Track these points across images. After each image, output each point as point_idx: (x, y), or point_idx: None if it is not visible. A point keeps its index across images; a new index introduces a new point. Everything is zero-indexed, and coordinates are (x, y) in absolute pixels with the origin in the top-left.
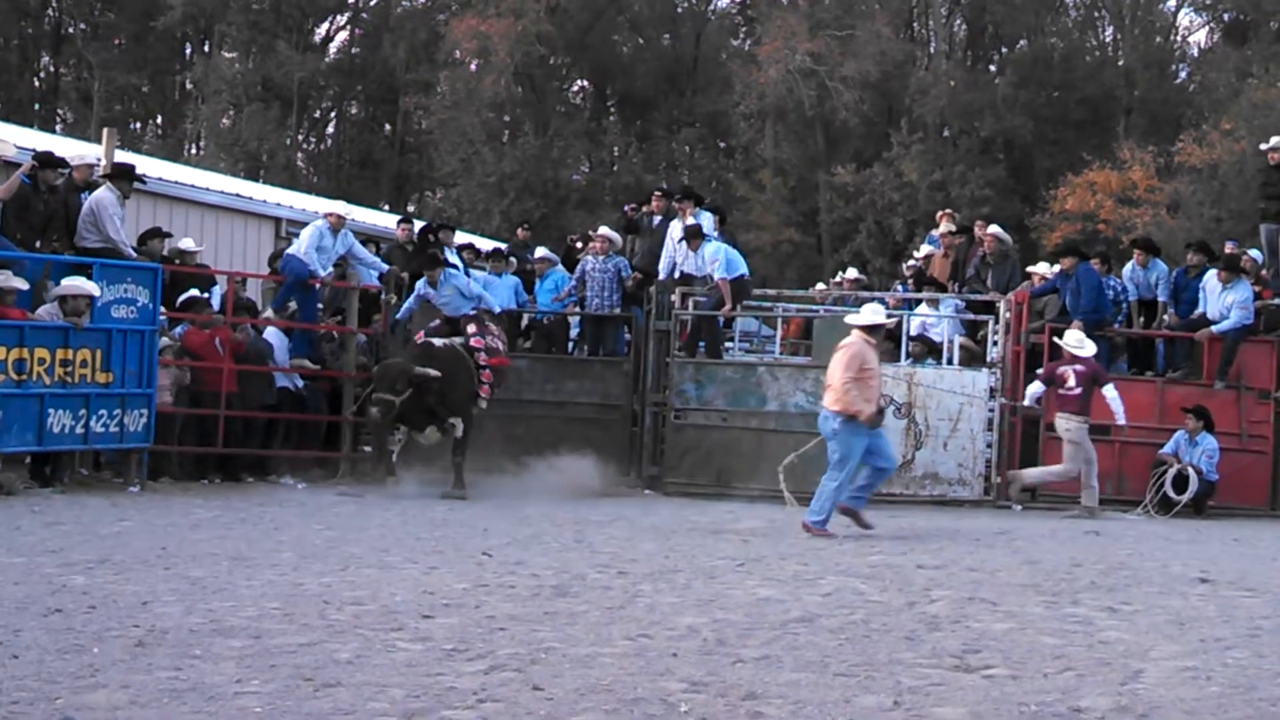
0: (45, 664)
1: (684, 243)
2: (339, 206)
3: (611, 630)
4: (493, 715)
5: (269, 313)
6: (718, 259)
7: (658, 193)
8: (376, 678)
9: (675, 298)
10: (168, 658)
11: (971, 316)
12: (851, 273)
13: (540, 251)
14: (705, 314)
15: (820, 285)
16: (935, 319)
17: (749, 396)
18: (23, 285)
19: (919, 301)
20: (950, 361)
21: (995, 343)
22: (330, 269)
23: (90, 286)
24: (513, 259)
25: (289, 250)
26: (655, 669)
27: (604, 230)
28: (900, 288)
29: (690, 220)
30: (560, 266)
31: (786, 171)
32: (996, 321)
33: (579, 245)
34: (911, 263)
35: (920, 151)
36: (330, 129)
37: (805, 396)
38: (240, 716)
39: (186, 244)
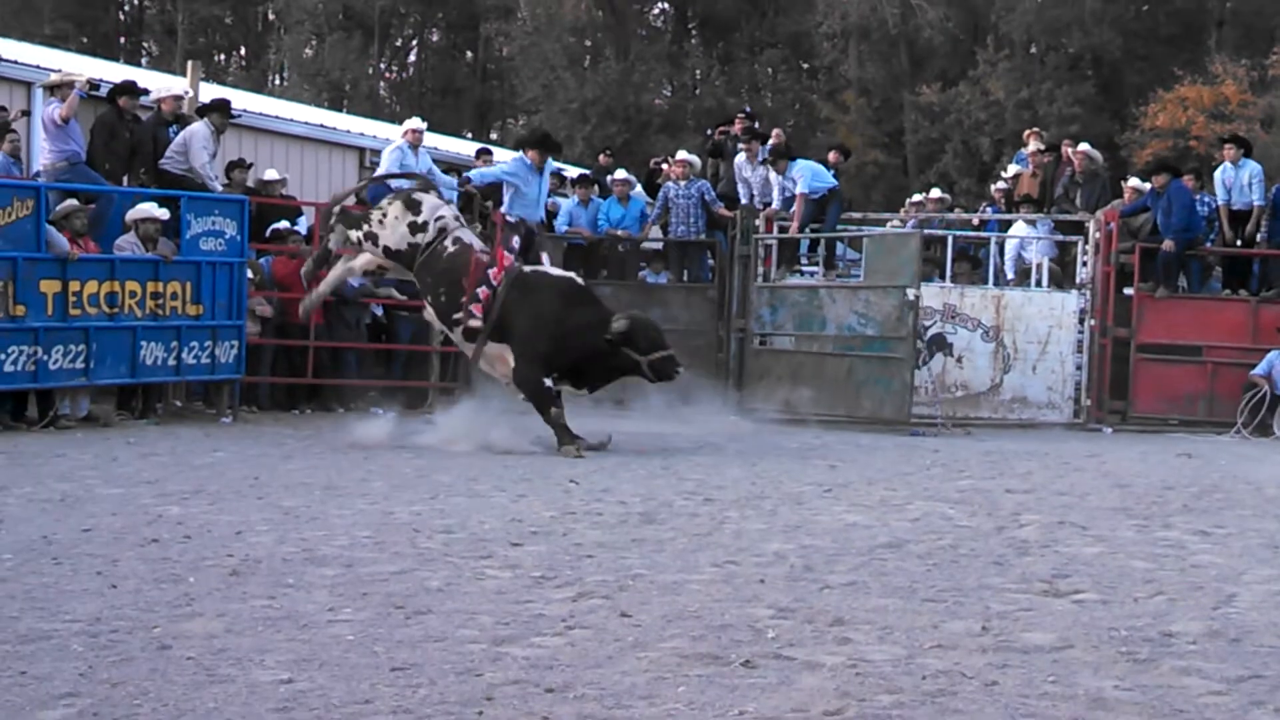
0: (143, 593)
1: (767, 166)
2: (416, 122)
3: (699, 557)
4: (581, 642)
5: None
6: (801, 175)
7: (741, 115)
8: (466, 605)
9: (760, 222)
10: (261, 586)
11: (1061, 237)
12: (935, 192)
13: (619, 173)
14: (787, 236)
15: (911, 204)
16: (1028, 239)
17: (812, 320)
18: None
19: (1009, 223)
20: (1039, 283)
21: (1085, 263)
22: None
23: (157, 211)
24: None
25: (378, 175)
26: (742, 595)
27: (683, 154)
28: (989, 208)
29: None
30: (640, 189)
31: (870, 92)
32: (1086, 242)
33: (662, 168)
34: (1000, 185)
35: (1006, 69)
36: (412, 57)
37: (857, 318)
38: (333, 644)
39: (270, 174)
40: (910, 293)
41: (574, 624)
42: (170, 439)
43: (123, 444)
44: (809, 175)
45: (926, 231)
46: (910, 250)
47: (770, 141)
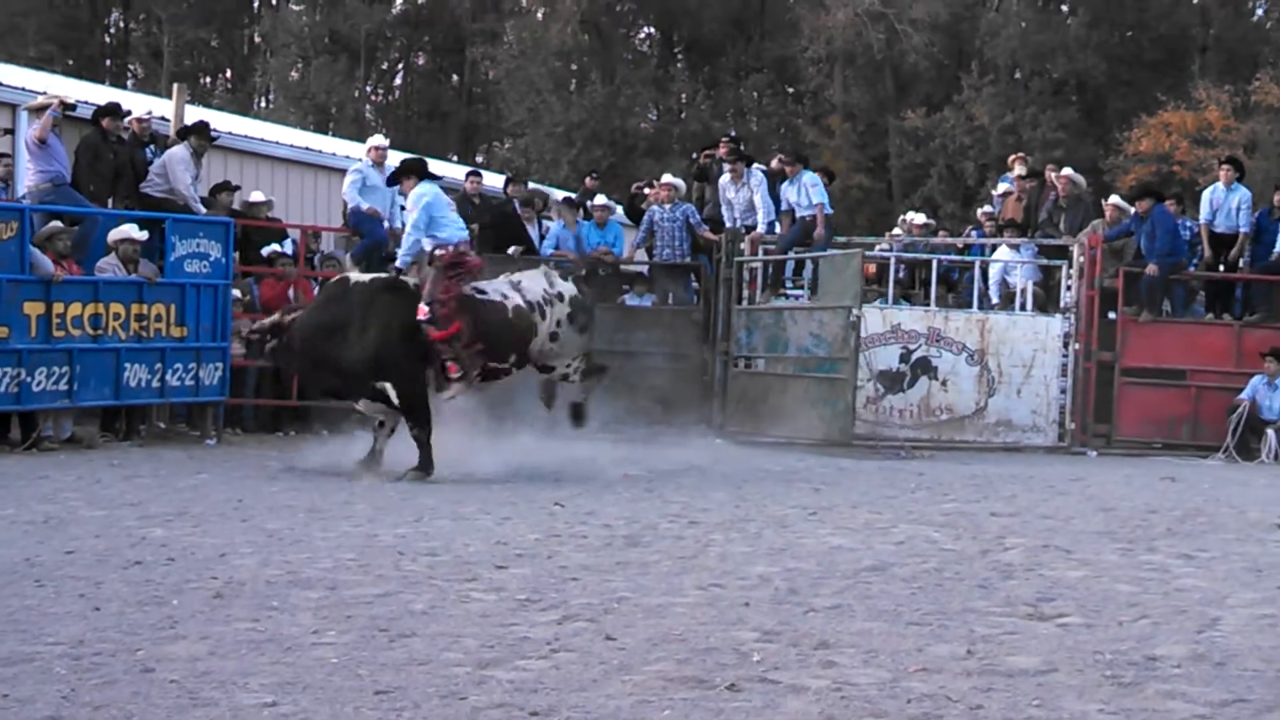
0: (126, 615)
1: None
2: (379, 140)
3: (683, 580)
4: (566, 665)
5: (349, 264)
6: (817, 184)
7: (725, 139)
8: (451, 628)
9: (745, 245)
10: (245, 609)
11: (1045, 261)
12: (919, 218)
13: (598, 199)
14: (775, 259)
15: (896, 230)
16: (1012, 263)
17: (778, 342)
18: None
19: (994, 247)
20: (1024, 307)
21: (1069, 287)
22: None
23: (135, 232)
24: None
25: (350, 205)
26: (727, 618)
27: (667, 178)
28: (973, 232)
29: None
30: (620, 213)
31: (856, 116)
32: (1070, 266)
33: (645, 192)
34: (988, 209)
35: (991, 94)
36: (398, 80)
37: (812, 340)
38: (317, 667)
39: (256, 197)
40: (853, 313)
41: (559, 647)
42: (154, 461)
43: (106, 466)
44: (821, 185)
45: (911, 255)
46: (853, 270)
47: (757, 184)
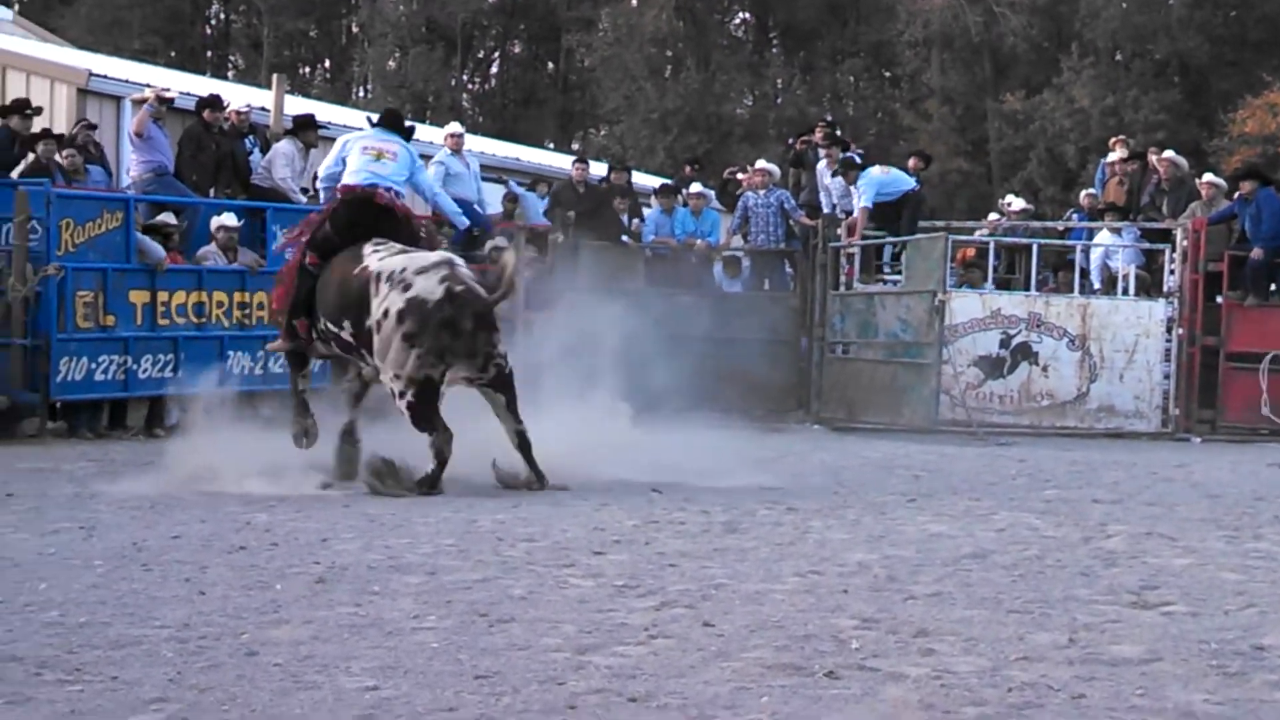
0: (231, 600)
1: (838, 178)
2: (455, 127)
3: (782, 566)
4: (664, 651)
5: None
6: (866, 188)
7: (822, 124)
8: (549, 614)
9: (842, 231)
10: (347, 594)
11: (1147, 245)
12: (1017, 203)
13: (694, 187)
14: (873, 242)
15: (993, 215)
16: (1114, 247)
17: (868, 327)
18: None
19: (1095, 231)
20: (1126, 292)
21: (1172, 271)
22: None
23: (228, 219)
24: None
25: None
26: (826, 605)
27: (761, 163)
28: (1075, 216)
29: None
30: (715, 201)
31: (954, 100)
32: (1173, 250)
33: (738, 178)
34: (1090, 191)
35: (1092, 76)
36: (494, 68)
37: (900, 324)
38: (418, 652)
39: None
40: (938, 297)
41: (657, 633)
42: None
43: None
44: (873, 187)
45: (1010, 239)
46: (938, 253)
47: (842, 154)
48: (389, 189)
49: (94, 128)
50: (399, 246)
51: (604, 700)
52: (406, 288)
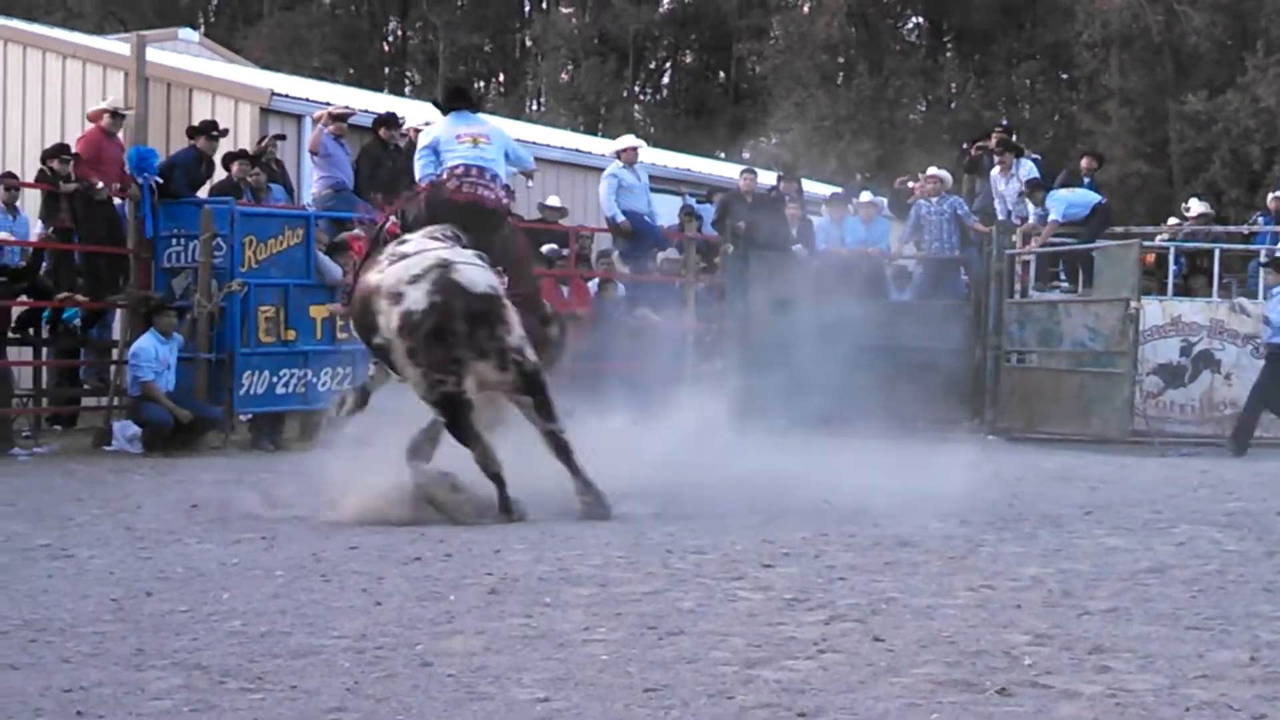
0: (406, 610)
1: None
2: (630, 140)
3: (953, 581)
4: (833, 666)
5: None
6: (1054, 206)
7: (998, 129)
8: (718, 626)
9: (1017, 238)
10: (519, 605)
11: None
12: (1197, 207)
13: (865, 196)
14: (1049, 250)
15: (1172, 219)
16: None
17: (1052, 336)
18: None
19: None
20: None
21: None
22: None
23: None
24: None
25: (607, 212)
26: (998, 620)
27: (933, 170)
28: (1260, 218)
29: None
30: (887, 209)
31: (1133, 101)
32: None
33: (909, 186)
34: (1278, 193)
35: (1277, 75)
36: (666, 79)
37: (1088, 333)
38: (588, 664)
39: (553, 201)
40: (1132, 305)
41: (826, 647)
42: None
43: None
44: (1062, 204)
45: (1192, 245)
46: (1131, 261)
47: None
48: (494, 175)
49: (283, 138)
50: (416, 243)
51: (772, 715)
52: (399, 300)
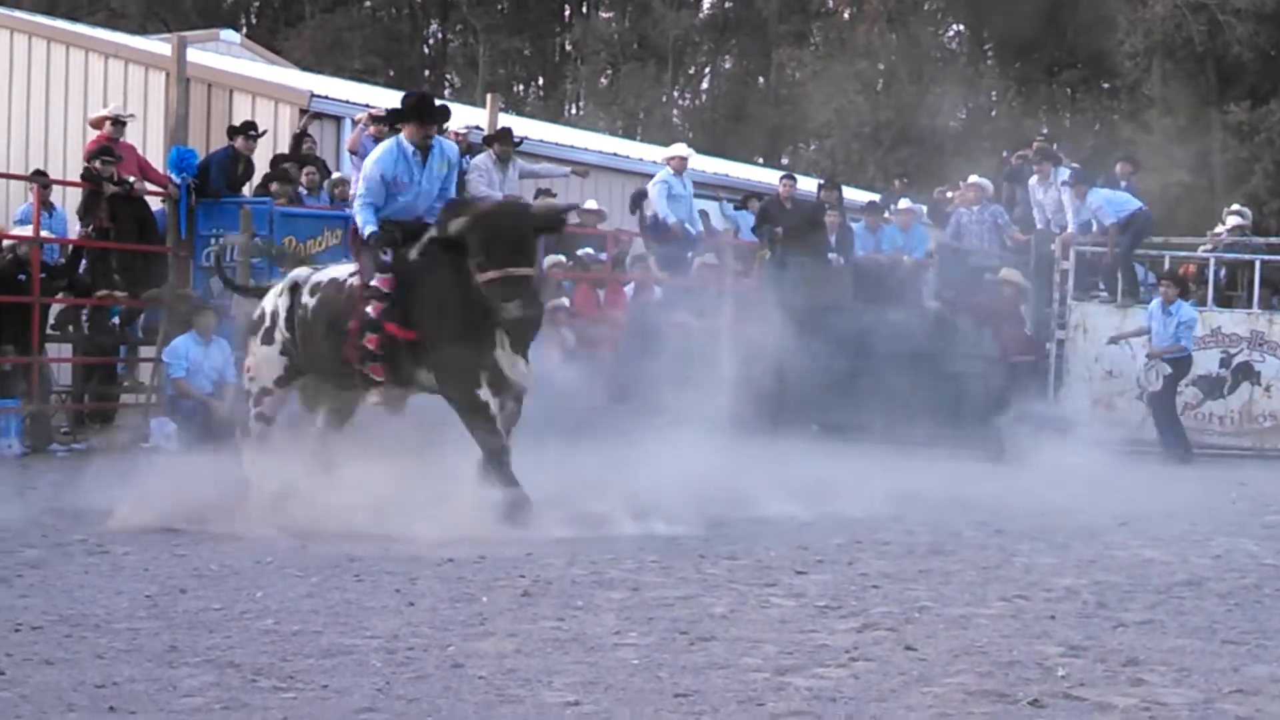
0: (439, 611)
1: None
2: (681, 149)
3: (987, 590)
4: (865, 674)
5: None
6: (1100, 206)
7: (1039, 138)
8: (750, 633)
9: (1055, 247)
10: (551, 608)
11: None
12: (1231, 219)
13: (903, 203)
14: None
15: (1218, 228)
16: None
17: None
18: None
19: None
20: None
21: None
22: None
23: None
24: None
25: (651, 215)
26: (1032, 631)
27: (974, 179)
28: None
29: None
30: (925, 216)
31: (1175, 111)
32: None
33: (948, 195)
34: None
35: None
36: (705, 84)
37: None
38: (619, 668)
39: (590, 205)
40: None
41: (858, 655)
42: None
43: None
44: (1104, 203)
45: (1232, 256)
46: None
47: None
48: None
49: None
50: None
51: None
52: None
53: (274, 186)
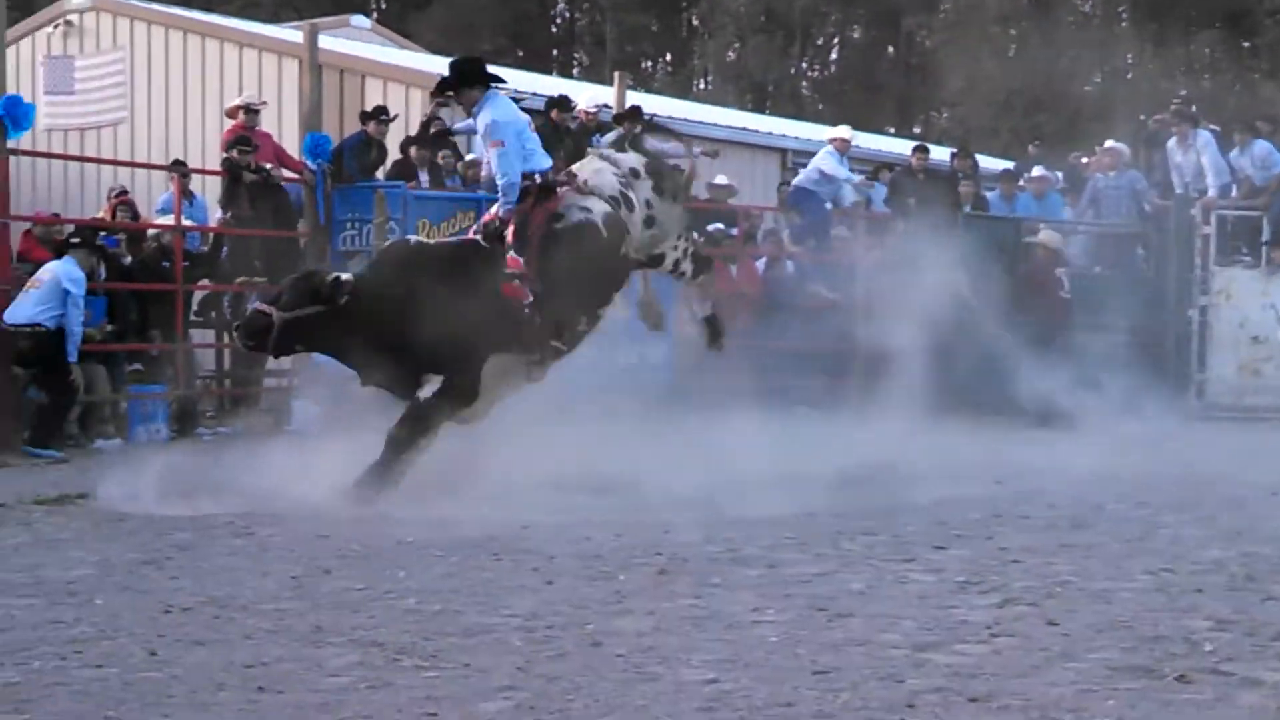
0: (577, 590)
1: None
2: (845, 131)
3: (1131, 564)
4: (1006, 650)
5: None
6: (1268, 157)
7: (1176, 100)
8: (888, 609)
9: (1196, 212)
10: (688, 585)
11: None
12: None
13: (1035, 170)
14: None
15: None
16: None
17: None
18: None
19: None
20: None
21: None
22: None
23: None
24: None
25: (798, 182)
26: (1178, 605)
27: (1111, 144)
28: None
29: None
30: (1060, 183)
31: None
32: None
33: (1083, 161)
34: None
35: None
36: (833, 55)
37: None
38: (757, 645)
39: (720, 180)
40: None
41: (999, 631)
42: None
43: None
44: (1270, 152)
45: None
46: None
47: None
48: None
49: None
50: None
51: (944, 700)
52: (633, 173)
53: (416, 154)
